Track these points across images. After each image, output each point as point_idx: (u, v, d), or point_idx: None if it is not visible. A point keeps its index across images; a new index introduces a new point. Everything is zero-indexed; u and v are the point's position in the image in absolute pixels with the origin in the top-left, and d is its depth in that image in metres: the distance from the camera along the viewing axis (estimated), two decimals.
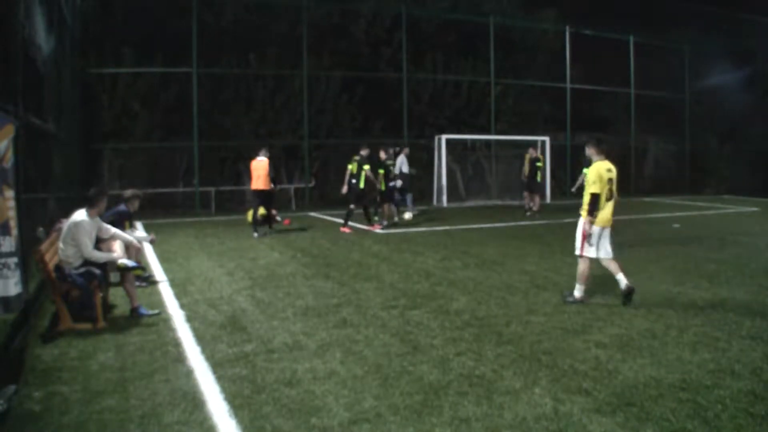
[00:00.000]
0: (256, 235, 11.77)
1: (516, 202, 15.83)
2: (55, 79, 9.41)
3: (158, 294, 6.92)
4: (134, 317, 5.85)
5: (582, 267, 6.40)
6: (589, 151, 6.57)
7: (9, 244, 4.28)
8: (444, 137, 18.94)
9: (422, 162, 20.05)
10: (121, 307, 6.20)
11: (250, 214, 13.09)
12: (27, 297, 5.31)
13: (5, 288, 4.20)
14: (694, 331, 5.28)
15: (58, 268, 5.59)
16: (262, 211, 13.02)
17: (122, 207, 7.20)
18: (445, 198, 18.89)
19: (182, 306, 6.30)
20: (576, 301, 6.40)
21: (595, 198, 6.22)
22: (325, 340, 5.11)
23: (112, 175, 16.95)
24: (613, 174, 6.40)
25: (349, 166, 12.52)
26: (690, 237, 11.48)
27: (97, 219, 5.98)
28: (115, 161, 17.09)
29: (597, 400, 3.82)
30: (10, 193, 4.44)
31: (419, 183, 20.22)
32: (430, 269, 8.26)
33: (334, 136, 19.16)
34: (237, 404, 3.79)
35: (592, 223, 6.25)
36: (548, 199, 19.62)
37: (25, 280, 4.82)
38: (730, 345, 4.89)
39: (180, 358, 4.70)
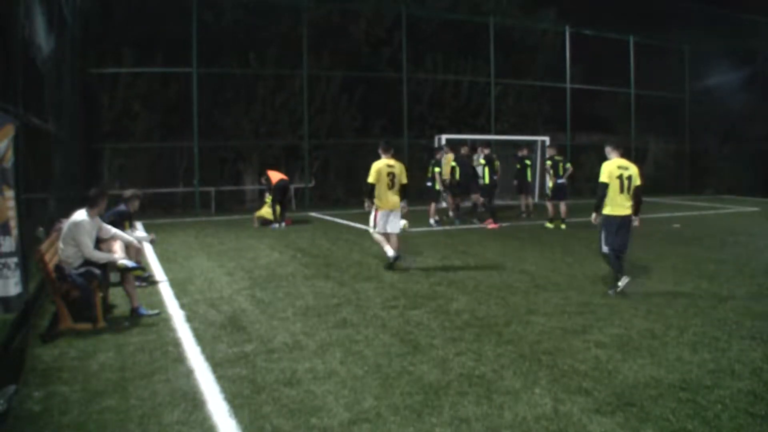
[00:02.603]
0: (277, 225, 13.02)
1: (516, 202, 15.79)
2: (55, 79, 9.40)
3: (158, 294, 6.92)
4: (134, 317, 5.85)
5: (377, 237, 8.36)
6: (379, 150, 8.37)
7: (9, 244, 4.28)
8: (444, 137, 18.92)
9: (422, 162, 20.05)
10: (121, 307, 6.20)
11: (264, 211, 13.34)
12: (27, 297, 5.31)
13: (5, 288, 4.20)
14: (694, 331, 5.28)
15: (58, 268, 5.59)
16: (267, 212, 13.24)
17: (122, 207, 7.20)
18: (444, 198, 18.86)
19: (182, 306, 6.30)
20: (392, 259, 8.17)
21: (370, 187, 8.17)
22: (325, 340, 5.11)
23: (112, 175, 16.94)
24: (395, 169, 8.21)
25: (481, 163, 13.38)
26: (690, 237, 11.48)
27: (98, 219, 5.98)
28: (115, 161, 17.08)
29: (597, 400, 3.82)
30: (10, 193, 4.44)
31: (419, 183, 20.24)
32: (430, 269, 8.26)
33: (334, 136, 19.15)
34: (237, 404, 3.80)
35: (377, 208, 8.18)
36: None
37: (25, 280, 4.81)
38: (730, 345, 4.89)
39: (180, 358, 4.70)
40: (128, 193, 7.39)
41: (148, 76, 16.55)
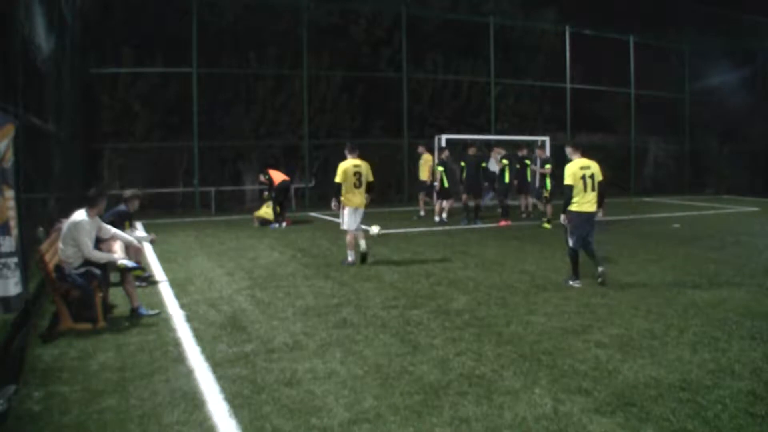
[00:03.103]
0: (276, 225, 13.10)
1: (515, 202, 15.78)
2: (55, 79, 9.40)
3: (158, 294, 6.92)
4: (134, 317, 5.85)
5: (348, 237, 8.54)
6: (346, 150, 8.67)
7: (9, 244, 4.28)
8: (444, 137, 18.92)
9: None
10: (121, 307, 6.19)
11: (264, 211, 13.34)
12: (27, 297, 5.31)
13: (5, 288, 4.20)
14: (694, 331, 5.28)
15: (58, 268, 5.59)
16: (266, 212, 13.26)
17: (122, 207, 7.20)
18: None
19: (182, 306, 6.30)
20: (349, 264, 8.49)
21: (337, 186, 8.47)
22: (325, 340, 5.11)
23: (112, 175, 16.94)
24: (361, 169, 8.51)
25: (504, 163, 13.93)
26: (690, 237, 11.48)
27: (97, 219, 5.98)
28: (115, 161, 17.09)
29: (597, 400, 3.82)
30: (10, 193, 4.44)
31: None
32: (430, 269, 8.26)
33: (334, 136, 19.15)
34: (237, 404, 3.80)
35: (344, 205, 8.48)
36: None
37: (25, 280, 4.82)
38: (730, 345, 4.89)
39: (180, 358, 4.70)
40: (128, 193, 7.39)
41: (148, 76, 16.55)
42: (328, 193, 19.11)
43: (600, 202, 7.15)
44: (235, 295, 6.77)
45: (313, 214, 16.15)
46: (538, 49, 22.68)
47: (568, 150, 7.39)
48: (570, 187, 7.01)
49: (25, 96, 6.00)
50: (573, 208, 7.04)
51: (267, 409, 3.72)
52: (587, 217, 7.06)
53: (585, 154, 7.26)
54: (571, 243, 7.18)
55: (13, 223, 4.41)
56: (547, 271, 8.10)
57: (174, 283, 7.43)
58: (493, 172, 14.91)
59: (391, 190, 19.91)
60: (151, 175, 17.24)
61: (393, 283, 7.41)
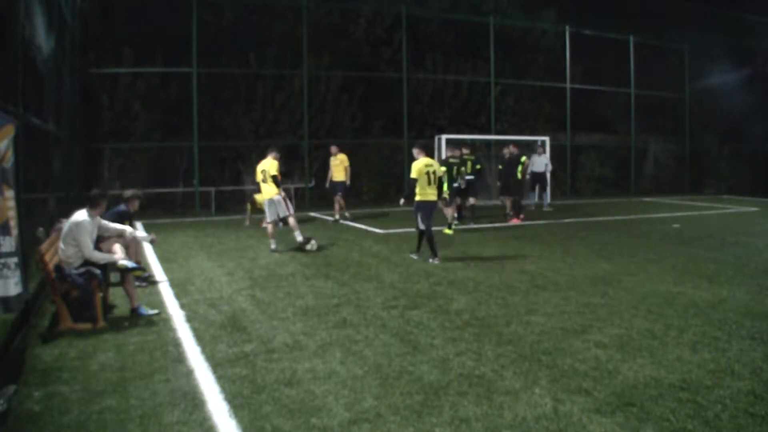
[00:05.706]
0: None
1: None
2: (55, 79, 9.40)
3: (158, 294, 6.92)
4: (134, 317, 5.85)
5: (269, 228, 10.09)
6: (270, 153, 10.12)
7: (9, 244, 4.28)
8: (444, 137, 18.92)
9: None
10: (121, 307, 6.20)
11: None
12: (27, 297, 5.31)
13: (5, 288, 4.20)
14: (694, 331, 5.28)
15: (58, 268, 5.59)
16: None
17: (122, 207, 7.21)
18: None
19: (182, 306, 6.30)
20: (272, 251, 9.70)
21: (257, 184, 10.36)
22: (325, 340, 5.11)
23: (112, 175, 16.92)
24: (265, 167, 9.97)
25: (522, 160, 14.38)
26: (690, 237, 11.48)
27: (98, 219, 5.98)
28: (115, 161, 17.06)
29: (597, 400, 3.82)
30: (10, 193, 4.44)
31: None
32: (430, 269, 8.26)
33: (334, 136, 19.14)
34: (237, 404, 3.80)
35: (256, 198, 10.95)
36: (548, 199, 19.58)
37: (25, 280, 4.82)
38: (730, 345, 4.89)
39: (180, 358, 4.70)
40: (128, 193, 7.39)
41: (148, 76, 16.54)
42: (328, 193, 19.35)
43: (439, 194, 8.85)
44: (235, 295, 6.77)
45: (313, 214, 16.14)
46: (538, 49, 22.67)
47: (415, 151, 8.91)
48: (414, 180, 8.59)
49: (25, 96, 6.01)
50: (419, 198, 8.65)
51: (267, 409, 3.72)
52: (431, 205, 8.72)
53: (428, 155, 9.04)
54: (421, 226, 8.73)
55: (13, 223, 4.41)
56: (547, 271, 8.10)
57: (174, 283, 7.43)
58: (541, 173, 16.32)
59: (391, 190, 19.90)
60: (151, 175, 17.23)
61: (393, 283, 7.41)
